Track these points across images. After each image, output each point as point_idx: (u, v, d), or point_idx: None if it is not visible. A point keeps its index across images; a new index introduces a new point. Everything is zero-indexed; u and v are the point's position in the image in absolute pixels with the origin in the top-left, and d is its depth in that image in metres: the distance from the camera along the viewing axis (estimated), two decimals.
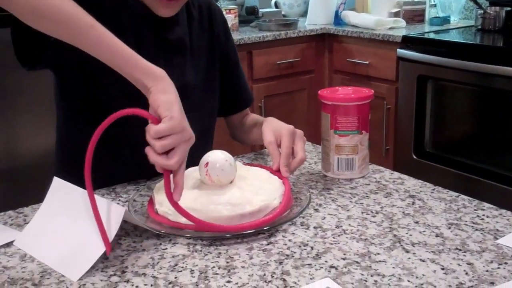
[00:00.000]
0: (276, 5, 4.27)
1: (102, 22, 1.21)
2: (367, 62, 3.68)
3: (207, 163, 1.26)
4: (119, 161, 1.48)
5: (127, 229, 1.23)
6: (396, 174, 1.51)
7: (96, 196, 1.18)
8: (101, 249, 1.10)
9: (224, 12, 3.69)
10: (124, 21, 1.48)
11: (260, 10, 4.08)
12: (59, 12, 1.15)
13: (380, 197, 1.37)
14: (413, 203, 1.33)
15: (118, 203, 1.35)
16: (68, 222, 1.20)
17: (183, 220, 1.18)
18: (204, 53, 1.65)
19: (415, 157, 3.45)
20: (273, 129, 1.48)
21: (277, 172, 1.38)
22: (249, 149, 1.71)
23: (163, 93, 1.17)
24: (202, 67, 1.64)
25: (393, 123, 3.60)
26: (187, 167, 1.22)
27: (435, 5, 3.96)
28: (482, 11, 3.52)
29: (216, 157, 1.27)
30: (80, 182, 1.19)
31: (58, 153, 1.66)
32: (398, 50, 3.42)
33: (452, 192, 1.39)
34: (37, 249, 1.17)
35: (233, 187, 1.26)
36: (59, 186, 1.27)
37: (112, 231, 1.13)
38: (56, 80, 1.57)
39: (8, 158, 2.89)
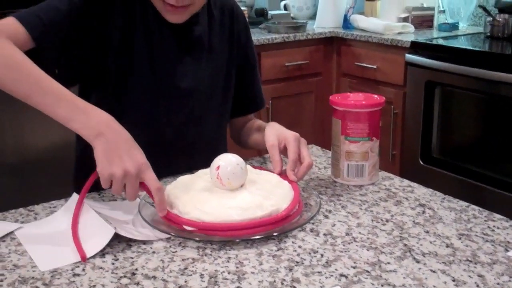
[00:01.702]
0: (285, 8, 4.27)
1: (131, 22, 1.43)
2: (375, 67, 3.67)
3: (218, 167, 1.26)
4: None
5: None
6: (406, 182, 1.51)
7: (93, 214, 1.24)
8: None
9: None
10: (150, 21, 1.52)
11: (269, 12, 4.08)
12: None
13: (390, 205, 1.37)
14: (423, 212, 1.33)
15: (128, 205, 1.35)
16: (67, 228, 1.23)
17: (193, 221, 1.18)
18: (224, 54, 1.66)
19: (422, 162, 3.45)
20: (276, 133, 1.48)
21: (286, 176, 1.38)
22: (256, 152, 1.70)
23: (98, 151, 1.22)
24: (221, 67, 1.66)
25: (400, 128, 3.59)
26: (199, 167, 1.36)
27: (444, 11, 3.95)
28: (491, 18, 3.51)
29: (228, 160, 1.27)
30: (98, 186, 1.26)
31: (77, 153, 1.69)
32: (407, 55, 3.41)
33: (462, 202, 1.39)
34: (32, 243, 1.20)
35: (243, 191, 1.26)
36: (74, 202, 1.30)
37: (93, 248, 1.15)
38: (80, 87, 1.60)
39: (17, 154, 2.89)
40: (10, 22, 1.36)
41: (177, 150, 1.62)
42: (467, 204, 1.38)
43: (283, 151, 1.44)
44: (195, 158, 1.59)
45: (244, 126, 1.79)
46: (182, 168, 1.49)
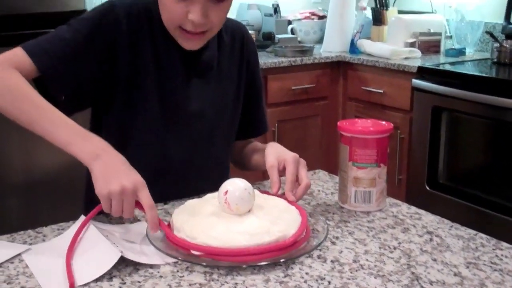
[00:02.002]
0: (293, 32, 4.28)
1: (140, 44, 1.48)
2: (382, 91, 3.68)
3: (226, 191, 1.26)
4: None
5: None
6: (413, 209, 1.51)
7: (100, 236, 1.25)
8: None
9: None
10: (159, 43, 1.54)
11: (277, 36, 4.09)
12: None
13: (398, 232, 1.37)
14: (431, 239, 1.33)
15: (135, 228, 1.35)
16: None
17: (201, 246, 1.18)
18: (233, 77, 1.69)
19: (428, 188, 3.44)
20: (276, 154, 1.49)
21: (292, 202, 1.38)
22: (261, 176, 1.71)
23: (95, 173, 1.26)
24: (230, 90, 1.68)
25: (406, 153, 3.59)
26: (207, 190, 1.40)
27: (451, 37, 3.96)
28: (498, 44, 3.52)
29: (236, 185, 1.27)
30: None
31: (88, 176, 1.68)
32: (413, 80, 3.42)
33: (470, 230, 1.38)
34: (37, 265, 1.20)
35: (251, 216, 1.26)
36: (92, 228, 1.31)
37: (98, 271, 1.15)
38: (92, 111, 1.63)
39: (25, 174, 2.90)
40: (18, 53, 1.41)
41: (185, 173, 1.62)
42: (475, 232, 1.37)
43: (282, 171, 1.46)
44: (203, 181, 1.60)
45: (242, 147, 1.80)
46: (190, 191, 1.49)
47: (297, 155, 1.47)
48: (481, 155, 3.36)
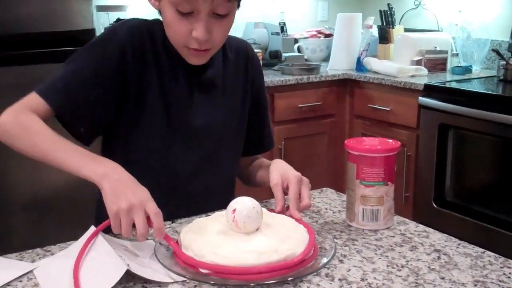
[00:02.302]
0: (299, 50, 4.29)
1: (144, 65, 1.53)
2: (388, 109, 3.69)
3: (234, 210, 1.26)
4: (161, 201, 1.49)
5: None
6: (421, 227, 1.51)
7: (108, 248, 1.26)
8: None
9: None
10: (163, 63, 1.57)
11: (283, 54, 4.11)
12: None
13: (406, 250, 1.37)
14: (439, 257, 1.33)
15: (144, 245, 1.35)
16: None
17: (209, 264, 1.19)
18: (238, 94, 1.71)
19: (435, 205, 3.44)
20: (280, 172, 1.52)
21: (300, 220, 1.39)
22: (270, 194, 1.70)
23: (105, 190, 1.30)
24: (235, 107, 1.70)
25: (413, 171, 3.59)
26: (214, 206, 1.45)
27: (457, 55, 3.97)
28: (504, 62, 3.53)
29: (244, 204, 1.27)
30: None
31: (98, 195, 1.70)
32: (420, 98, 3.43)
33: (478, 248, 1.38)
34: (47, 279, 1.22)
35: (259, 235, 1.26)
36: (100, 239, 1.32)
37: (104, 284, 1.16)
38: (103, 136, 1.66)
39: (33, 191, 2.92)
40: (32, 97, 1.49)
41: (192, 190, 1.64)
42: (482, 250, 1.37)
43: (287, 189, 1.48)
44: (210, 198, 1.62)
45: (248, 164, 1.82)
46: (197, 208, 1.51)
47: (300, 174, 1.50)
48: (488, 172, 3.36)
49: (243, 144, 1.76)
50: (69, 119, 1.52)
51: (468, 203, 3.34)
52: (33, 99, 1.48)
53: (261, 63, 1.82)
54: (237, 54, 1.72)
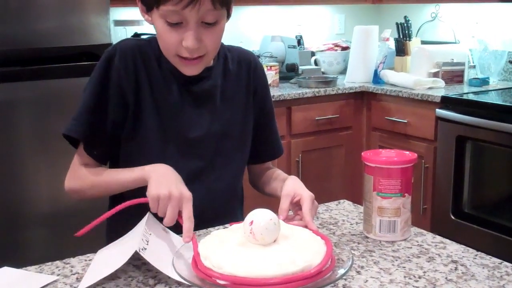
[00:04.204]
0: (316, 63, 4.31)
1: (138, 81, 1.60)
2: (406, 121, 3.69)
3: (251, 222, 1.27)
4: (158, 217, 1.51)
5: (171, 285, 1.24)
6: (438, 238, 1.51)
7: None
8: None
9: (265, 69, 3.76)
10: (155, 78, 1.63)
11: (300, 67, 4.13)
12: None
13: (423, 261, 1.37)
14: (456, 268, 1.33)
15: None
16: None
17: (226, 275, 1.20)
18: (240, 104, 1.74)
19: (453, 217, 3.43)
20: (295, 187, 1.56)
21: (317, 232, 1.40)
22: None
23: (151, 179, 1.46)
24: (235, 119, 1.72)
25: (431, 182, 3.59)
26: (217, 218, 1.54)
27: (474, 66, 3.97)
28: None
29: (261, 216, 1.28)
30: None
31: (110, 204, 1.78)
32: (437, 110, 3.43)
33: (495, 259, 1.38)
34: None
35: (276, 246, 1.27)
36: (150, 219, 1.43)
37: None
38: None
39: (51, 203, 2.93)
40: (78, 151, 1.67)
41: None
42: (500, 261, 1.37)
43: (294, 205, 1.53)
44: (212, 209, 1.64)
45: (263, 173, 1.84)
46: (197, 219, 1.49)
47: (313, 195, 1.53)
48: (506, 184, 3.35)
49: (247, 153, 1.79)
50: (91, 146, 1.64)
51: (486, 215, 3.33)
52: (76, 159, 1.67)
53: (266, 74, 1.85)
54: (239, 65, 1.75)
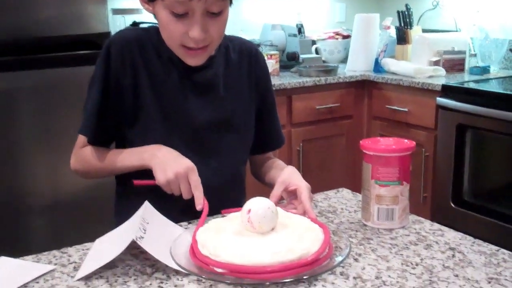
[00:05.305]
0: (317, 51, 4.30)
1: (136, 71, 1.61)
2: (406, 110, 3.69)
3: (249, 210, 1.28)
4: (167, 203, 1.51)
5: (169, 273, 1.24)
6: (436, 226, 1.52)
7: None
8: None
9: (265, 58, 3.75)
10: (154, 68, 1.63)
11: (301, 55, 4.12)
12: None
13: (420, 248, 1.37)
14: (453, 255, 1.34)
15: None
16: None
17: (224, 263, 1.20)
18: (242, 93, 1.74)
19: (453, 205, 3.43)
20: (291, 176, 1.59)
21: (315, 219, 1.40)
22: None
23: (154, 167, 1.52)
24: (238, 108, 1.73)
25: (431, 171, 3.59)
26: (223, 207, 1.54)
27: (475, 55, 3.96)
28: None
29: (259, 204, 1.29)
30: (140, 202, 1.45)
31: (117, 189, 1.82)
32: (438, 98, 3.43)
33: (492, 246, 1.39)
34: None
35: (274, 235, 1.28)
36: (148, 208, 1.44)
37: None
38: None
39: (51, 193, 2.94)
40: (79, 137, 1.71)
41: None
42: (497, 248, 1.38)
43: (289, 193, 1.56)
44: (216, 198, 1.62)
45: (264, 163, 1.85)
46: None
47: (310, 186, 1.55)
48: (506, 172, 3.35)
49: (250, 143, 1.79)
50: (100, 137, 1.69)
51: (486, 203, 3.33)
52: (79, 139, 1.71)
53: (267, 62, 1.85)
54: (241, 54, 1.76)
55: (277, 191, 1.55)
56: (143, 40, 1.64)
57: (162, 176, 1.48)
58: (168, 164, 1.49)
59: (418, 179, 3.61)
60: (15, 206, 2.89)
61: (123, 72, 1.61)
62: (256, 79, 1.77)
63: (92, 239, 1.43)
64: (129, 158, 1.60)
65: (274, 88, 3.52)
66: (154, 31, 1.64)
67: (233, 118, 1.71)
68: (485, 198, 3.38)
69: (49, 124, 2.86)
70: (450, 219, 3.41)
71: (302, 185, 1.52)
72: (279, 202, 1.54)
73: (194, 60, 1.60)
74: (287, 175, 1.58)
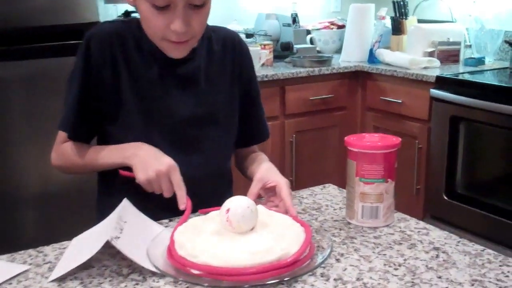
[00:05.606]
0: (311, 41, 4.27)
1: (116, 65, 1.59)
2: (400, 101, 3.66)
3: (228, 209, 1.25)
4: (149, 200, 1.49)
5: (145, 274, 1.22)
6: (422, 224, 1.49)
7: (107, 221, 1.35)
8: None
9: (259, 48, 3.73)
10: (134, 62, 1.61)
11: (295, 46, 4.08)
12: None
13: (404, 248, 1.35)
14: (437, 256, 1.31)
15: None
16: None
17: (201, 265, 1.18)
18: (225, 85, 1.71)
19: (446, 198, 3.41)
20: (269, 173, 1.58)
21: (298, 219, 1.38)
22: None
23: (135, 166, 1.50)
24: (221, 99, 1.70)
25: (424, 163, 3.57)
26: (208, 203, 1.50)
27: (470, 46, 3.93)
28: None
29: (238, 203, 1.26)
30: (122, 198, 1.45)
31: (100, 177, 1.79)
32: (431, 90, 3.40)
33: (478, 246, 1.36)
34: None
35: (253, 234, 1.26)
36: (126, 206, 1.43)
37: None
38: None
39: (41, 185, 2.92)
40: (59, 133, 1.69)
41: None
42: (482, 248, 1.35)
43: (267, 190, 1.54)
44: (202, 192, 1.60)
45: (247, 156, 1.82)
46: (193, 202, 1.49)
47: (289, 182, 1.53)
48: (500, 165, 3.33)
49: (234, 137, 1.76)
50: (82, 133, 1.67)
51: (479, 196, 3.31)
52: (60, 135, 1.68)
53: (250, 53, 1.81)
54: (224, 45, 1.73)
55: (254, 188, 1.53)
56: (123, 33, 1.61)
57: (142, 175, 1.46)
58: (149, 162, 1.47)
59: (411, 171, 3.59)
60: (4, 197, 2.86)
61: (103, 66, 1.58)
62: (240, 70, 1.74)
63: (80, 230, 1.41)
64: (110, 155, 1.58)
65: (267, 79, 3.52)
66: (135, 23, 1.61)
67: (216, 112, 1.69)
68: (478, 191, 3.36)
69: (38, 114, 2.83)
70: (443, 212, 3.40)
71: (281, 182, 1.50)
72: (257, 199, 1.52)
73: (176, 53, 1.57)
74: (264, 171, 1.56)
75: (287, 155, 3.73)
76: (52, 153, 1.71)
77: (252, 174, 1.64)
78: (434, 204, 3.49)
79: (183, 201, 1.44)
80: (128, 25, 1.63)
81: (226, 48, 1.72)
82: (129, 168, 1.52)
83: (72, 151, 1.65)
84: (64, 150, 1.67)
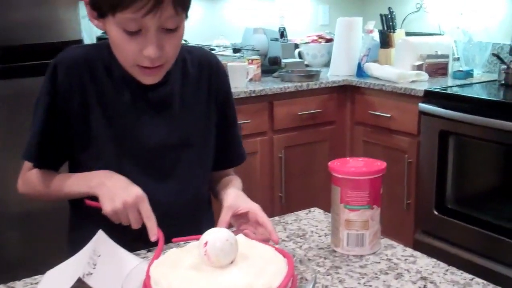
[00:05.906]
0: (300, 55, 4.24)
1: (84, 93, 1.53)
2: (389, 115, 3.63)
3: (206, 243, 1.20)
4: (123, 228, 1.44)
5: None
6: (409, 251, 1.45)
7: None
8: None
9: (246, 63, 3.69)
10: (104, 88, 1.55)
11: (284, 60, 4.04)
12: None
13: (391, 278, 1.31)
14: (425, 286, 1.27)
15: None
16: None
17: None
18: (200, 109, 1.66)
19: (436, 213, 3.38)
20: (238, 200, 1.53)
21: (280, 249, 1.33)
22: None
23: (101, 196, 1.44)
24: (196, 123, 1.65)
25: (414, 177, 3.54)
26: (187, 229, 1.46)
27: (458, 59, 3.91)
28: (505, 66, 3.47)
29: (216, 235, 1.21)
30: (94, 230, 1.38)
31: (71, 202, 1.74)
32: (420, 104, 3.37)
33: (466, 274, 1.32)
34: None
35: (233, 269, 1.20)
36: (101, 238, 1.37)
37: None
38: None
39: (21, 203, 2.86)
40: (25, 163, 1.66)
41: (154, 212, 1.50)
42: (471, 276, 1.31)
43: (239, 216, 1.49)
44: (178, 219, 1.58)
45: (219, 178, 1.77)
46: (167, 231, 1.44)
47: (260, 206, 1.50)
48: (489, 179, 3.31)
49: (211, 161, 1.71)
50: (48, 160, 1.63)
51: (469, 210, 3.28)
52: (25, 164, 1.65)
53: (227, 74, 1.77)
54: (200, 67, 1.67)
55: (225, 216, 1.47)
56: (92, 58, 1.56)
57: (108, 206, 1.40)
58: (116, 193, 1.41)
59: (401, 185, 3.56)
60: None
61: (71, 95, 1.53)
62: (216, 93, 1.69)
63: (62, 251, 1.38)
64: (77, 184, 1.54)
65: (255, 94, 3.48)
66: (105, 47, 1.55)
67: (191, 136, 1.64)
68: (468, 205, 3.32)
69: (19, 134, 2.76)
70: (433, 226, 3.38)
71: (253, 207, 1.47)
72: (228, 228, 1.47)
73: (150, 79, 1.52)
74: (232, 199, 1.52)
75: (276, 171, 3.69)
76: (19, 180, 1.67)
77: (223, 199, 1.60)
78: (424, 219, 3.46)
79: (154, 232, 1.39)
80: (98, 49, 1.58)
81: (202, 70, 1.67)
82: (96, 198, 1.46)
83: (38, 179, 1.61)
84: (29, 178, 1.63)
